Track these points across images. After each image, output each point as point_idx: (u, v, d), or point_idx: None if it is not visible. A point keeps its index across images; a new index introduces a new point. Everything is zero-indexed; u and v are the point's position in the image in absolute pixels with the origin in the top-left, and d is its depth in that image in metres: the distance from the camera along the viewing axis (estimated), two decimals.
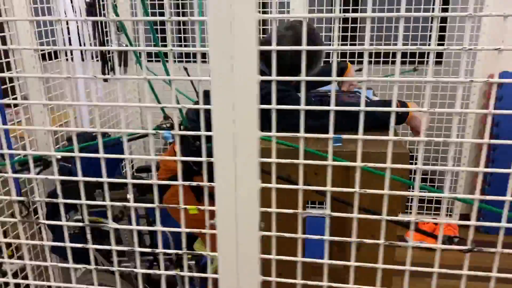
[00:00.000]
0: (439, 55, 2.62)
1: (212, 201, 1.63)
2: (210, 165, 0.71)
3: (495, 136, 2.47)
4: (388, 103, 1.24)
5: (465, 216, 2.70)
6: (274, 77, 0.64)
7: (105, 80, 2.29)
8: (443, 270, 0.71)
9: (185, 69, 2.50)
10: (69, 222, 1.68)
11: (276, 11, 2.56)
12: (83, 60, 2.04)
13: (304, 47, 0.62)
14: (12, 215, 1.66)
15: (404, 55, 2.51)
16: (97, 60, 2.19)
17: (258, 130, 0.66)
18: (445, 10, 2.62)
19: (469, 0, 0.65)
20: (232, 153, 0.68)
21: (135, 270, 0.86)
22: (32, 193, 1.78)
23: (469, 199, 0.72)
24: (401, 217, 0.73)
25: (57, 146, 1.91)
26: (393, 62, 2.46)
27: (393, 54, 2.46)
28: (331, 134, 0.67)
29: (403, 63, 2.52)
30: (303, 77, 0.64)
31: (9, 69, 1.54)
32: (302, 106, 0.66)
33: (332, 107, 0.65)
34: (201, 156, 0.74)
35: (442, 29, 2.56)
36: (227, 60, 0.63)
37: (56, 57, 1.90)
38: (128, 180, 0.81)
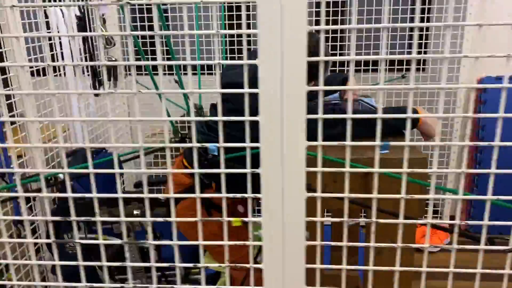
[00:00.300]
0: (423, 62, 2.70)
1: (220, 214, 1.61)
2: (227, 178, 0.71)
3: (481, 139, 2.56)
4: (399, 110, 1.27)
5: (452, 218, 2.76)
6: (320, 87, 0.65)
7: (96, 94, 2.25)
8: (478, 270, 0.72)
9: (176, 81, 2.48)
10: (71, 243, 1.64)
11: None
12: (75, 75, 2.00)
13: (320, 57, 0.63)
14: (18, 235, 1.60)
15: (392, 63, 2.57)
16: (88, 75, 2.16)
17: (305, 140, 0.67)
18: (428, 16, 2.70)
19: (448, 10, 0.68)
20: (280, 163, 0.68)
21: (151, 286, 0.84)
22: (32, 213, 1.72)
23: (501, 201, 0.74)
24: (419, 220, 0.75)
25: (53, 163, 1.86)
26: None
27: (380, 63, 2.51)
28: (378, 142, 0.68)
29: (391, 70, 2.58)
30: (321, 87, 0.64)
31: (6, 86, 1.50)
32: (349, 115, 0.67)
33: (350, 115, 0.67)
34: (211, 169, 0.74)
35: (426, 36, 2.64)
36: (277, 72, 0.63)
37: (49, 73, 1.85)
38: (145, 195, 0.79)
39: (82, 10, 2.03)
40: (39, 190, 1.64)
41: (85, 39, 2.08)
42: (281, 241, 0.72)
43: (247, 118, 0.68)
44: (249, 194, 0.74)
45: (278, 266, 0.73)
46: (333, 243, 0.74)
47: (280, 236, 0.72)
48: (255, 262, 1.72)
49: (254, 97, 0.64)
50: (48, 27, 1.79)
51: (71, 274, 0.89)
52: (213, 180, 1.46)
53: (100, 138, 2.36)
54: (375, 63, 2.54)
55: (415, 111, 1.24)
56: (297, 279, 0.73)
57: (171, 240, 0.92)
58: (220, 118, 0.69)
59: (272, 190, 0.70)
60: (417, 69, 2.73)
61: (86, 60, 2.09)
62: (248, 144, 0.70)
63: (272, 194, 0.70)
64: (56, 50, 1.86)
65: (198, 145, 0.72)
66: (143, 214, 1.55)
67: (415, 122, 1.21)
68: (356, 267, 0.76)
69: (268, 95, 0.65)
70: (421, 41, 2.56)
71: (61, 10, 1.82)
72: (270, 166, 0.68)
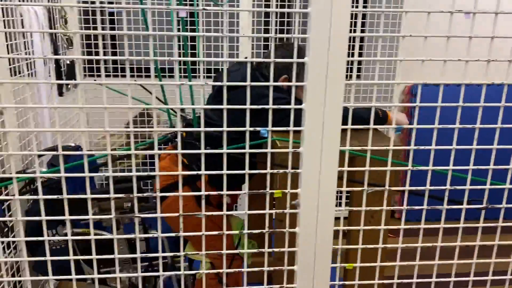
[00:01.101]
0: (358, 69, 3.03)
1: (209, 205, 1.74)
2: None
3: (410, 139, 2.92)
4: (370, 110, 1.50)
5: None
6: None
7: (60, 94, 2.25)
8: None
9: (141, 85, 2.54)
10: (56, 236, 1.66)
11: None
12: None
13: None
14: None
15: None
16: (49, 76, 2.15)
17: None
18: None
19: (380, 22, 0.91)
20: (320, 143, 0.84)
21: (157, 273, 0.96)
22: (9, 211, 1.70)
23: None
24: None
25: (30, 159, 1.85)
26: None
27: None
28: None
29: None
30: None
31: None
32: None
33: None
34: (206, 161, 0.87)
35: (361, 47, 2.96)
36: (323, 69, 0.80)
37: (19, 73, 1.85)
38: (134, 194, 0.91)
39: (49, 9, 2.04)
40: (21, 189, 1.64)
41: (53, 40, 2.08)
42: (316, 209, 0.88)
43: (292, 106, 0.84)
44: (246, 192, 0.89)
45: (312, 229, 0.89)
46: (354, 208, 0.92)
47: (315, 204, 0.88)
48: (235, 253, 1.86)
49: (251, 95, 0.80)
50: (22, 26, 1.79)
51: (56, 269, 0.95)
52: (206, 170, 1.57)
53: (66, 136, 2.35)
54: None
55: (385, 113, 1.48)
56: (327, 240, 0.90)
57: (157, 229, 1.01)
58: (247, 106, 0.83)
59: (312, 167, 0.85)
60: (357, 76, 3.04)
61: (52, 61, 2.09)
62: (291, 128, 0.85)
63: (311, 169, 0.86)
64: (28, 49, 1.86)
65: (271, 129, 0.85)
66: (133, 207, 1.62)
67: (385, 120, 1.45)
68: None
69: (313, 85, 0.81)
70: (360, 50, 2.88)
71: (34, 9, 1.83)
72: (311, 146, 0.84)
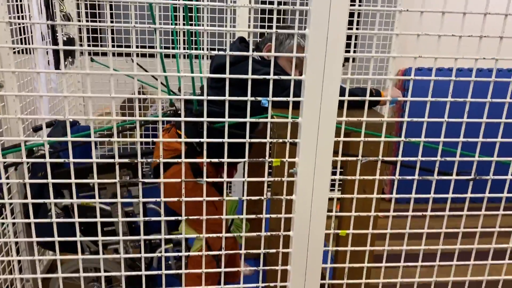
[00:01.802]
0: (353, 59, 3.08)
1: (209, 187, 1.78)
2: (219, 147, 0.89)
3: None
4: (365, 90, 1.54)
5: None
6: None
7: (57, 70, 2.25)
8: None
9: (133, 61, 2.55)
10: (56, 209, 1.69)
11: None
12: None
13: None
14: None
15: None
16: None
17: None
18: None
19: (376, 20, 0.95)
20: (318, 115, 0.88)
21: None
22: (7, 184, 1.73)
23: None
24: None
25: (28, 132, 1.87)
26: None
27: None
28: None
29: None
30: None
31: None
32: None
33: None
34: (206, 137, 0.90)
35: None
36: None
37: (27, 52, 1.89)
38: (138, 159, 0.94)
39: None
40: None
41: (49, 16, 2.08)
42: (312, 177, 0.92)
43: (292, 77, 0.87)
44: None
45: (308, 197, 0.93)
46: (348, 177, 0.96)
47: (312, 172, 0.92)
48: (228, 231, 1.92)
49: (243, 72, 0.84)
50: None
51: (54, 243, 0.98)
52: (206, 147, 1.60)
53: (62, 112, 2.37)
54: None
55: (378, 92, 1.52)
56: (322, 207, 0.94)
57: (154, 203, 1.05)
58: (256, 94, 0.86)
59: (309, 136, 0.89)
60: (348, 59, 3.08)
61: (49, 36, 2.10)
62: (291, 98, 0.89)
63: (309, 139, 0.89)
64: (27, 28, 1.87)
65: (271, 99, 0.88)
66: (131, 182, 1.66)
67: (378, 100, 1.49)
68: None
69: (313, 57, 0.84)
70: (354, 41, 2.91)
71: None
72: (310, 117, 0.88)
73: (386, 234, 0.99)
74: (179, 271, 0.97)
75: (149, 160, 0.96)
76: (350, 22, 3.02)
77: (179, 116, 1.59)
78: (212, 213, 1.68)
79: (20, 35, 1.92)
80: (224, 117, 0.88)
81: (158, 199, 0.92)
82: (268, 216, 0.97)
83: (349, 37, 2.93)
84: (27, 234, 1.84)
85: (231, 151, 0.93)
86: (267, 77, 0.87)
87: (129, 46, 2.72)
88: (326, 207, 0.94)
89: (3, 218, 1.71)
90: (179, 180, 0.92)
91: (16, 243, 1.86)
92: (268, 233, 0.98)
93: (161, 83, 2.34)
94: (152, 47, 2.64)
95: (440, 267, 1.02)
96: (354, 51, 3.02)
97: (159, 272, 0.96)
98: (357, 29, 3.00)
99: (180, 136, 1.60)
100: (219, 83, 1.63)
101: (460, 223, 1.02)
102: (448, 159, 0.95)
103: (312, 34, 0.82)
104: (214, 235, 1.03)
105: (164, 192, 1.47)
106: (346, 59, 2.99)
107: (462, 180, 0.98)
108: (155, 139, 0.89)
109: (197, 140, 0.91)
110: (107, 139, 0.89)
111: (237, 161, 0.91)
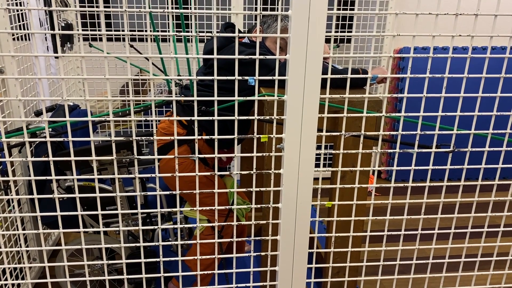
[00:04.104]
0: (348, 39, 3.11)
1: (208, 168, 1.83)
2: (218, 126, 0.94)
3: (399, 99, 3.02)
4: (356, 70, 1.58)
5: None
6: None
7: (57, 57, 2.30)
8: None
9: (131, 46, 2.60)
10: (60, 189, 1.75)
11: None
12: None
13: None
14: None
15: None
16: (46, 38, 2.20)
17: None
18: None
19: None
20: (302, 92, 0.93)
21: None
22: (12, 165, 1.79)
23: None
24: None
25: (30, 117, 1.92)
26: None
27: None
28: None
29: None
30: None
31: None
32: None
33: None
34: (203, 120, 0.95)
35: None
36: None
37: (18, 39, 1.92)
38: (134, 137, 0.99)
39: None
40: (23, 143, 1.72)
41: (46, 2, 2.12)
42: (298, 151, 0.97)
43: (277, 56, 0.92)
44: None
45: (295, 170, 0.99)
46: (333, 151, 1.01)
47: (298, 147, 0.97)
48: (230, 210, 1.98)
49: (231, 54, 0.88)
50: None
51: (57, 221, 1.03)
52: (204, 130, 1.66)
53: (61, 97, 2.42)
54: None
55: (365, 72, 1.56)
56: (308, 178, 1.00)
57: (154, 183, 1.09)
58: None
59: (294, 113, 0.94)
60: (347, 40, 3.11)
61: (47, 22, 2.14)
62: (277, 77, 0.94)
63: (294, 116, 0.95)
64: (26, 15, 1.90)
65: (257, 78, 0.93)
66: (131, 162, 1.72)
67: (366, 80, 1.54)
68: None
69: (297, 38, 0.89)
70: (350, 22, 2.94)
71: None
72: (294, 95, 0.93)
73: (376, 210, 1.05)
74: (190, 241, 1.03)
75: (144, 138, 1.01)
76: (345, 3, 3.06)
77: (178, 103, 1.64)
78: (212, 194, 1.73)
79: (19, 22, 1.96)
80: (219, 102, 0.94)
81: (153, 175, 0.98)
82: (257, 189, 1.03)
83: (344, 18, 2.95)
84: (34, 225, 1.91)
85: (227, 133, 0.98)
86: (253, 57, 0.91)
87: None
88: (312, 180, 1.00)
89: (10, 208, 1.78)
90: (172, 156, 0.98)
91: (22, 223, 1.94)
92: (259, 206, 1.04)
93: (158, 68, 2.38)
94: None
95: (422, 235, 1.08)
96: (349, 32, 3.04)
97: (157, 243, 1.02)
98: (351, 9, 3.02)
99: (181, 123, 1.65)
100: (210, 68, 1.68)
101: (440, 197, 1.07)
102: (428, 132, 1.00)
103: (294, 15, 0.87)
104: (209, 208, 1.08)
105: (164, 173, 1.53)
106: (341, 40, 3.03)
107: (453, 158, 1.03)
108: (148, 117, 0.95)
109: (188, 118, 0.96)
110: (104, 118, 0.95)
111: (228, 138, 0.96)
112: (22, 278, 1.88)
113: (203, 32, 2.86)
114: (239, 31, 2.00)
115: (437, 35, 0.96)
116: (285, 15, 0.88)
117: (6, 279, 1.71)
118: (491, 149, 1.02)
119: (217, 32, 1.87)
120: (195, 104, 0.95)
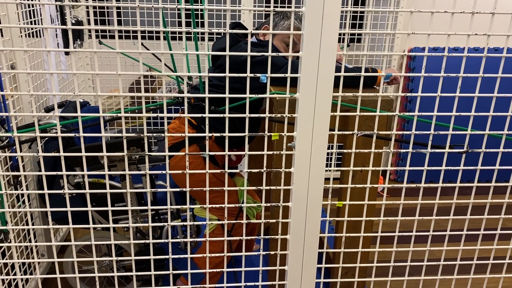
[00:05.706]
0: (359, 39, 3.09)
1: (218, 167, 1.83)
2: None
3: (410, 100, 3.00)
4: (365, 70, 1.56)
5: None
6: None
7: (67, 53, 2.31)
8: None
9: (142, 45, 2.59)
10: (69, 185, 1.75)
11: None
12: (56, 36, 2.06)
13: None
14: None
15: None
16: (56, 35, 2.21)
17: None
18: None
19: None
20: (315, 90, 0.92)
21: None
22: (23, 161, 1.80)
23: None
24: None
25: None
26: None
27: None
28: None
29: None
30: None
31: None
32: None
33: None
34: (213, 120, 0.94)
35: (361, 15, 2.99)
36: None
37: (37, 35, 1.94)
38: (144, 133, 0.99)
39: None
40: (34, 139, 1.73)
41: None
42: (309, 150, 0.96)
43: (290, 54, 0.91)
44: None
45: (306, 169, 0.98)
46: (344, 151, 1.00)
47: (309, 145, 0.96)
48: (240, 210, 1.97)
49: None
50: None
51: (65, 217, 1.04)
52: (213, 129, 1.65)
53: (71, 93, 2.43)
54: None
55: (375, 71, 1.55)
56: (319, 178, 0.99)
57: (164, 181, 1.07)
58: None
59: (306, 111, 0.93)
60: (357, 40, 3.09)
61: (58, 19, 2.15)
62: (289, 75, 0.93)
63: (306, 114, 0.94)
64: (37, 12, 1.92)
65: (269, 75, 0.92)
66: (142, 158, 1.72)
67: (375, 79, 1.52)
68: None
69: (310, 35, 0.88)
70: (360, 20, 2.92)
71: None
72: (306, 93, 0.92)
73: (384, 211, 1.03)
74: (201, 239, 1.03)
75: (155, 134, 1.01)
76: (355, 3, 3.04)
77: (188, 103, 1.63)
78: (222, 193, 1.73)
79: (30, 18, 1.97)
80: (229, 101, 0.93)
81: (163, 172, 0.97)
82: (267, 188, 1.02)
83: (354, 18, 2.93)
84: (43, 221, 1.92)
85: (236, 133, 0.97)
86: (265, 54, 0.91)
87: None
88: (323, 179, 0.99)
89: (19, 203, 1.79)
90: (183, 153, 0.97)
91: (31, 219, 1.94)
92: (268, 204, 1.03)
93: (168, 67, 2.38)
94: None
95: (434, 236, 1.07)
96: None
97: (166, 240, 1.02)
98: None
99: (191, 123, 1.64)
100: (218, 68, 1.68)
101: (450, 199, 1.06)
102: (441, 132, 0.99)
103: (308, 12, 0.86)
104: (220, 208, 1.08)
105: (174, 175, 1.52)
106: (351, 40, 3.01)
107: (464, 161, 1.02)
108: (161, 114, 0.94)
109: (199, 115, 0.96)
110: (115, 114, 0.94)
111: (238, 135, 0.95)
112: (31, 273, 1.89)
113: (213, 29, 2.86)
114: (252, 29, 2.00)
115: (452, 33, 0.94)
116: (295, 13, 0.87)
117: (15, 274, 1.72)
118: (506, 150, 1.01)
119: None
120: (207, 101, 0.95)
